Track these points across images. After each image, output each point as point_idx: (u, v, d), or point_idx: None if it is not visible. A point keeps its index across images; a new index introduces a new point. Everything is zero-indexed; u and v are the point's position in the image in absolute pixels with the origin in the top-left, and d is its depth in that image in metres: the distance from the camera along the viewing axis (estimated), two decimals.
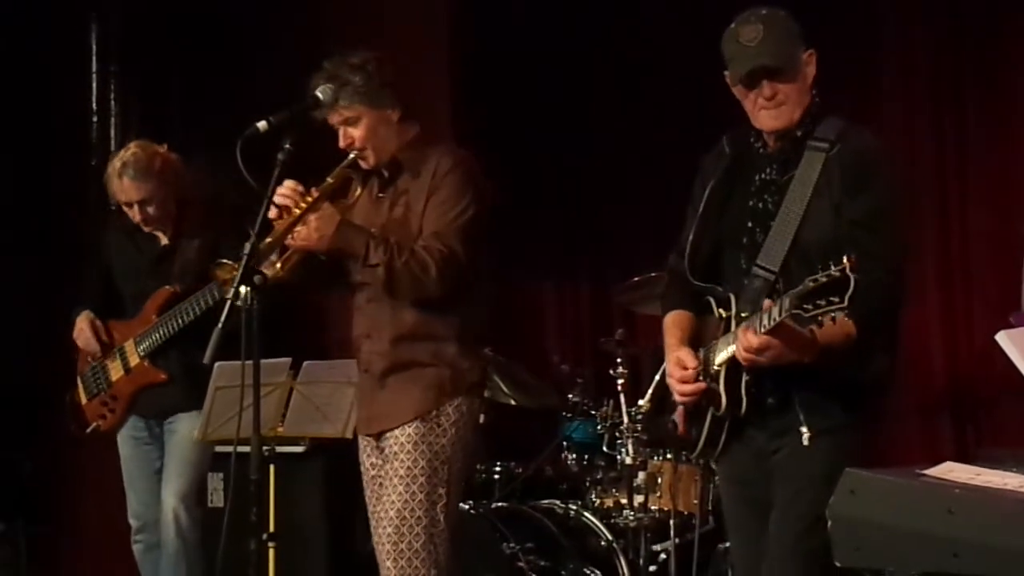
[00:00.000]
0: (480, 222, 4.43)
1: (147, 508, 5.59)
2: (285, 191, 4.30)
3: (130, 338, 5.59)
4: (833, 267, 3.36)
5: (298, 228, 4.33)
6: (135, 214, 5.49)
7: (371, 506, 4.54)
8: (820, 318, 3.39)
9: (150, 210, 5.48)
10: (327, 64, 4.44)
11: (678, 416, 3.92)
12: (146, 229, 5.55)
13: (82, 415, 5.73)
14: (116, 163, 5.49)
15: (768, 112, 3.77)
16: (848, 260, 3.34)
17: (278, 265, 4.38)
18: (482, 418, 4.66)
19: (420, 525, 4.37)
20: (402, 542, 4.37)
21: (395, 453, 4.42)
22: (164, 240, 5.57)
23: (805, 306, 3.38)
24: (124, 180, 5.44)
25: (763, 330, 3.55)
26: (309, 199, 4.32)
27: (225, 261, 4.39)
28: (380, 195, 4.54)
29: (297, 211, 4.30)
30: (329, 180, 4.40)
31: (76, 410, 5.74)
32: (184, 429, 5.47)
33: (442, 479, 4.41)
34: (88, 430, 5.71)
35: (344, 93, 4.37)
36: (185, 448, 5.48)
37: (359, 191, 4.52)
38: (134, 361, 5.58)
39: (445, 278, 4.33)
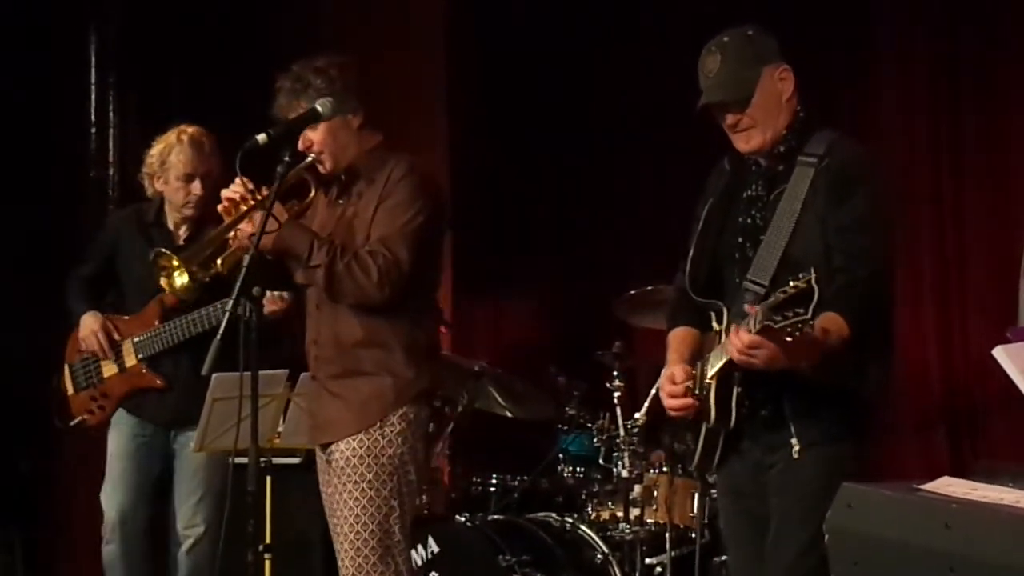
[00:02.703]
0: (428, 231, 4.38)
1: (134, 510, 5.50)
2: (234, 187, 4.28)
3: (129, 337, 5.53)
4: (801, 278, 3.38)
5: (242, 225, 4.30)
6: (195, 188, 5.42)
7: (329, 523, 4.51)
8: (788, 329, 3.41)
9: (207, 189, 5.38)
10: (294, 66, 4.42)
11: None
12: (187, 211, 5.46)
13: (67, 405, 5.66)
14: (183, 135, 5.45)
15: (739, 137, 3.86)
16: (814, 272, 3.38)
17: (218, 262, 4.36)
18: (431, 426, 4.62)
19: (375, 539, 4.33)
20: (359, 556, 4.34)
21: (342, 467, 4.38)
22: (180, 239, 5.51)
23: (775, 317, 3.40)
24: (197, 150, 5.41)
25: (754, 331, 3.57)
26: (259, 197, 4.29)
27: (164, 251, 4.46)
28: (337, 201, 4.51)
29: (244, 207, 4.28)
30: (280, 180, 4.31)
31: (61, 399, 5.66)
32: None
33: (393, 491, 4.35)
34: (72, 423, 5.63)
35: (305, 95, 4.34)
36: (210, 470, 5.46)
37: (313, 194, 4.50)
38: (130, 362, 5.53)
39: (387, 284, 4.28)
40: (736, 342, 3.58)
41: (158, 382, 5.50)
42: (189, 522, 5.52)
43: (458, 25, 7.63)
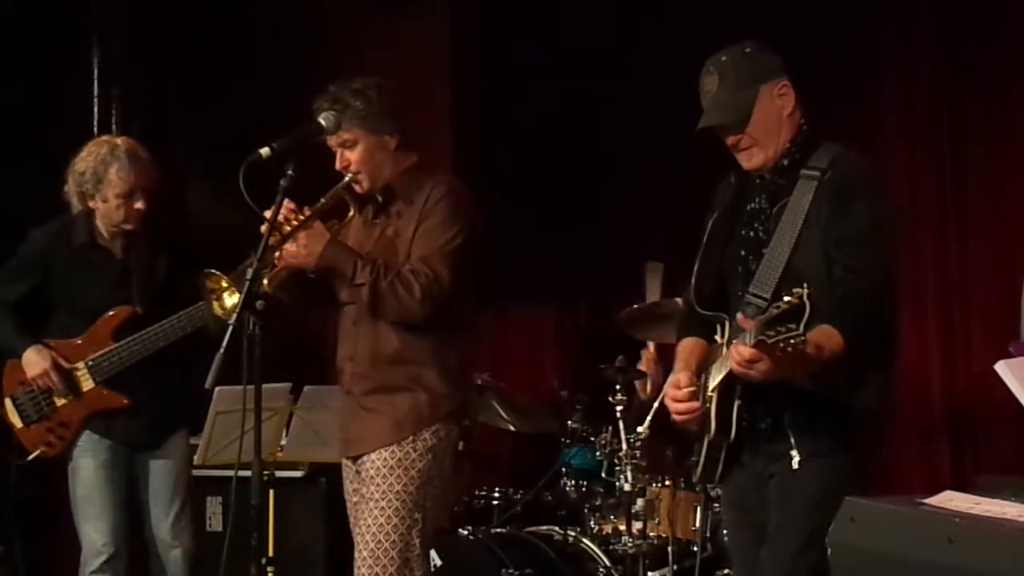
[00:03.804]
0: (468, 251, 4.45)
1: (120, 536, 5.28)
2: (279, 207, 4.30)
3: (79, 361, 5.25)
4: (794, 294, 3.40)
5: (288, 245, 4.35)
6: (138, 204, 5.18)
7: (353, 531, 4.55)
8: (781, 344, 3.42)
9: (148, 202, 5.19)
10: (332, 87, 4.47)
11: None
12: (126, 227, 5.21)
13: (16, 441, 5.36)
14: (117, 150, 5.19)
15: (741, 155, 3.87)
16: (806, 287, 3.39)
17: (265, 281, 4.37)
18: (461, 445, 4.65)
19: (395, 549, 4.37)
20: (377, 566, 4.38)
21: (371, 477, 4.43)
22: (118, 254, 5.29)
23: (768, 332, 3.41)
24: (136, 164, 5.17)
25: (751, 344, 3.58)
26: (301, 217, 4.35)
27: (214, 271, 4.36)
28: (374, 220, 4.57)
29: (288, 228, 4.33)
30: (323, 200, 4.43)
31: (7, 437, 5.37)
32: (176, 454, 5.33)
33: (418, 504, 4.41)
34: (30, 457, 5.34)
35: (344, 116, 4.40)
36: (178, 475, 5.34)
37: (352, 214, 4.55)
38: (87, 386, 5.26)
39: (429, 301, 4.35)
40: (736, 355, 3.60)
41: (123, 401, 5.26)
42: (173, 536, 5.36)
43: (462, 40, 7.64)
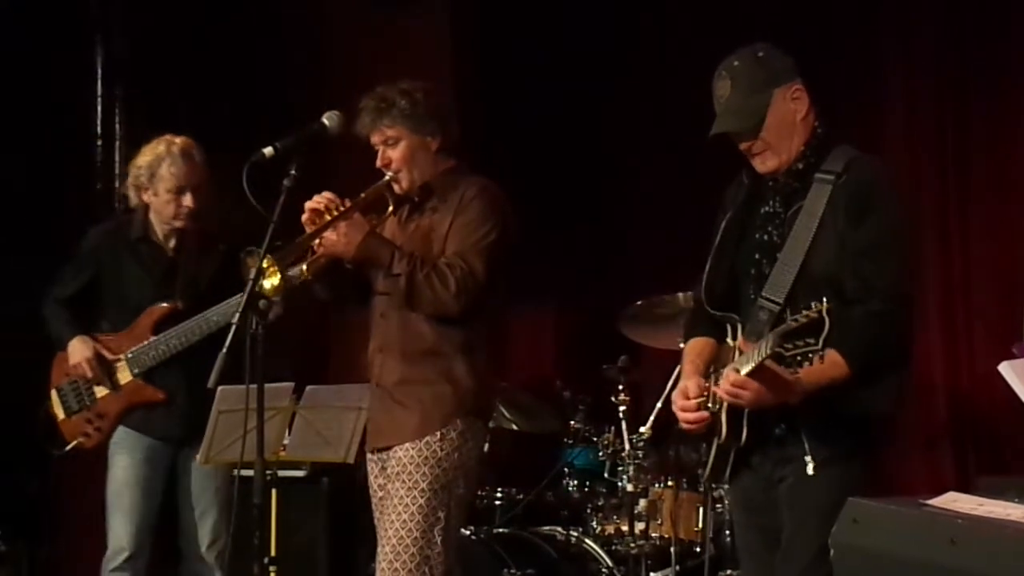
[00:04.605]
0: (502, 247, 4.50)
1: (144, 536, 5.39)
2: (320, 197, 4.40)
3: (120, 354, 5.44)
4: (813, 307, 3.40)
5: (327, 233, 4.41)
6: (187, 201, 5.33)
7: (376, 526, 4.58)
8: (799, 358, 3.43)
9: (197, 201, 5.35)
10: (379, 88, 4.54)
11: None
12: (176, 223, 5.38)
13: (58, 432, 5.53)
14: (172, 147, 5.36)
15: (753, 160, 3.86)
16: (826, 302, 3.39)
17: (304, 267, 4.45)
18: (487, 447, 4.67)
19: (416, 546, 4.41)
20: (397, 561, 4.41)
21: (397, 473, 4.47)
22: (169, 252, 5.45)
23: (785, 345, 3.42)
24: (188, 162, 5.33)
25: (747, 370, 3.59)
26: (342, 208, 4.41)
27: (256, 250, 4.36)
28: (408, 220, 4.63)
29: (328, 216, 4.39)
30: (363, 195, 4.50)
31: (50, 426, 5.54)
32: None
33: (442, 502, 4.44)
34: (68, 448, 5.51)
35: (389, 114, 4.47)
36: (216, 478, 5.43)
37: (390, 210, 4.60)
38: (125, 379, 5.43)
39: (464, 295, 4.41)
40: (724, 382, 3.63)
41: (159, 395, 5.42)
42: (212, 539, 5.45)
43: (462, 40, 7.65)
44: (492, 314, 4.61)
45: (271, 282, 4.34)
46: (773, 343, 3.46)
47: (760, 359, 3.53)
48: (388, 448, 4.54)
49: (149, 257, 5.47)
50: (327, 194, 4.40)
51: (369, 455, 4.66)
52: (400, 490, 4.44)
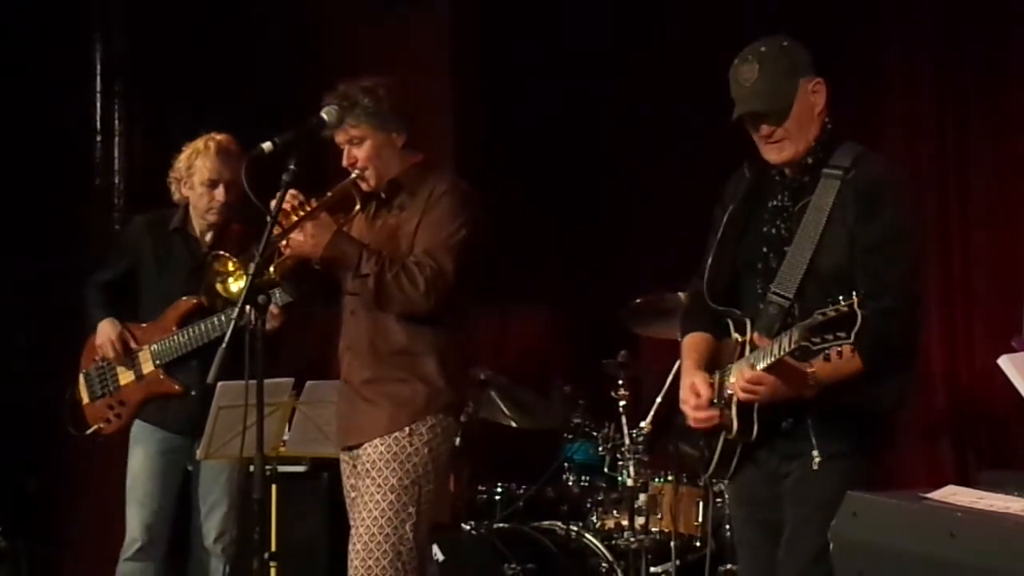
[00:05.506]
0: (471, 245, 4.48)
1: (161, 524, 5.49)
2: (286, 198, 4.35)
3: (146, 344, 5.53)
4: (843, 301, 3.39)
5: (294, 234, 4.38)
6: (218, 194, 5.44)
7: (351, 525, 4.56)
8: (827, 351, 3.42)
9: (230, 195, 5.42)
10: (340, 85, 4.50)
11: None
12: (210, 217, 5.48)
13: (81, 415, 5.64)
14: (210, 142, 5.47)
15: (770, 147, 3.83)
16: (856, 296, 3.38)
17: (271, 268, 4.42)
18: (458, 440, 4.66)
19: (388, 542, 4.40)
20: (370, 558, 4.40)
21: (367, 470, 4.47)
22: (204, 246, 5.51)
23: (813, 339, 3.41)
24: (223, 157, 5.42)
25: (764, 365, 3.59)
26: (308, 208, 4.38)
27: (222, 253, 4.47)
28: (376, 216, 4.60)
29: (295, 217, 4.36)
30: (329, 194, 4.47)
31: (75, 409, 5.65)
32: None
33: (412, 497, 4.44)
34: (88, 432, 5.62)
35: (352, 113, 4.44)
36: (228, 472, 5.47)
37: (357, 209, 4.58)
38: (147, 368, 5.53)
39: (433, 293, 4.39)
40: (740, 378, 3.63)
41: (176, 387, 5.49)
42: (219, 532, 5.50)
43: (462, 40, 7.65)
44: (462, 312, 4.58)
45: (237, 285, 4.35)
46: (799, 336, 3.45)
47: (782, 353, 3.53)
48: (358, 446, 4.53)
49: (184, 251, 5.57)
50: (292, 192, 4.34)
51: (341, 455, 4.65)
52: (370, 488, 4.43)
